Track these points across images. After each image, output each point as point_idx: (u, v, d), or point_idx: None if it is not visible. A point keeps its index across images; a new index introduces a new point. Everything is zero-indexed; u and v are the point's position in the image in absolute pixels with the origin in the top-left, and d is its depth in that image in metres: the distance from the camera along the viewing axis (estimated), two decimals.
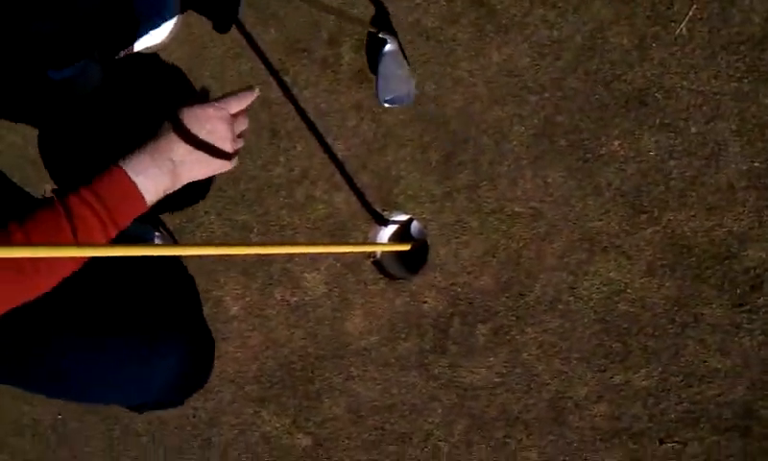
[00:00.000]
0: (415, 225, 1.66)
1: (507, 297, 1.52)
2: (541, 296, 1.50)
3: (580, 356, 1.49)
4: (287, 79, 1.68)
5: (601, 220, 1.44)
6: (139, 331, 1.49)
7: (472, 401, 1.57)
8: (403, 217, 1.63)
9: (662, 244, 1.41)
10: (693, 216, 1.39)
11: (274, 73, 1.69)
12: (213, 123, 1.07)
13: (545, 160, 1.47)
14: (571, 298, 1.48)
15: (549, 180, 1.47)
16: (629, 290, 1.44)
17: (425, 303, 1.59)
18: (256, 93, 1.15)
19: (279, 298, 1.73)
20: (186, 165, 1.05)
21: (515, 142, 1.49)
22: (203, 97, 1.13)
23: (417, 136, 1.56)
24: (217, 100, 1.10)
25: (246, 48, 1.72)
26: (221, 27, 1.72)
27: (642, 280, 1.43)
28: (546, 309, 1.50)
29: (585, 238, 1.46)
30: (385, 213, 1.61)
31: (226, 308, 1.79)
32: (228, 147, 1.10)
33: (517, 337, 1.52)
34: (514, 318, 1.52)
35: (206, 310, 1.80)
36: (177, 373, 1.53)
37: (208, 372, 1.74)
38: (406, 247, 1.59)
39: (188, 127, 1.05)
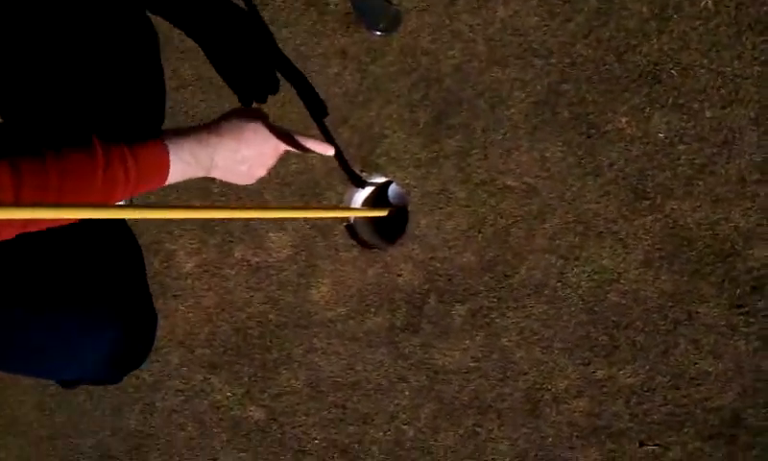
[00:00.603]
0: (394, 189, 1.55)
1: (490, 277, 1.43)
2: (527, 279, 1.41)
3: (563, 347, 1.41)
4: (265, 14, 1.54)
5: (599, 202, 1.36)
6: (74, 304, 1.37)
7: (443, 385, 1.48)
8: (382, 180, 1.52)
9: (662, 234, 1.33)
10: (698, 207, 1.31)
11: (251, 5, 1.55)
12: (270, 152, 1.10)
13: (545, 132, 1.37)
14: (559, 284, 1.40)
15: (547, 154, 1.37)
16: (622, 280, 1.36)
17: (400, 275, 1.49)
18: (331, 152, 1.18)
19: (239, 257, 1.61)
20: (220, 170, 1.07)
21: (513, 109, 1.39)
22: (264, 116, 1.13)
23: (405, 92, 1.45)
24: (291, 135, 1.13)
25: None
26: None
27: (637, 271, 1.35)
28: (531, 293, 1.41)
29: (579, 221, 1.37)
30: (363, 174, 1.50)
31: (179, 263, 1.67)
32: (261, 173, 1.13)
33: (497, 320, 1.44)
34: (495, 300, 1.43)
35: (156, 265, 1.68)
36: (112, 349, 1.41)
37: (147, 350, 1.62)
38: (383, 213, 1.48)
39: (247, 142, 1.07)
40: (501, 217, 1.41)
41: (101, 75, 1.66)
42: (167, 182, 1.03)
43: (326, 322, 1.56)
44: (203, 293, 1.65)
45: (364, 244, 1.53)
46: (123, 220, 1.70)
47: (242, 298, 1.62)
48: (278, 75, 1.55)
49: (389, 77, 1.46)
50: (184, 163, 1.03)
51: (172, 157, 1.01)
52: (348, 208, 1.52)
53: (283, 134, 1.11)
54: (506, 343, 1.44)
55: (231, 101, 1.59)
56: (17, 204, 0.81)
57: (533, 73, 1.37)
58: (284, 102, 1.54)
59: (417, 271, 1.48)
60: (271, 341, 1.61)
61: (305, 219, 1.54)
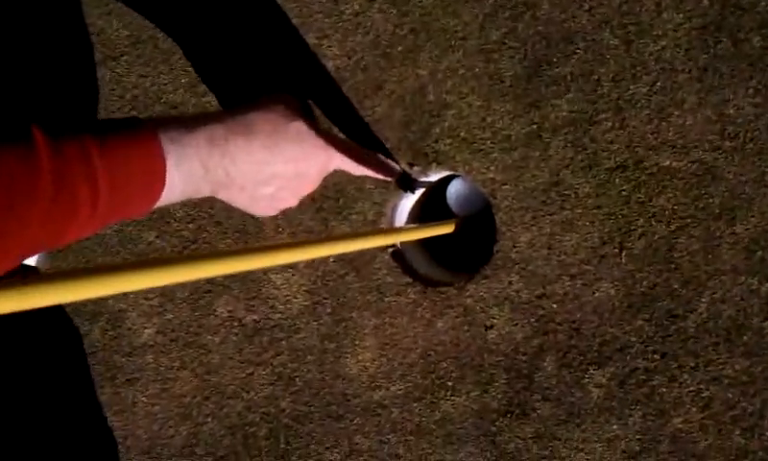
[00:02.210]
0: (460, 187, 1.05)
1: (645, 320, 0.93)
2: (710, 318, 0.92)
3: None
4: None
5: None
6: None
7: None
8: (442, 176, 1.02)
9: None
10: None
11: None
12: (314, 172, 0.83)
13: (722, 75, 0.90)
14: (767, 323, 0.89)
15: (729, 110, 0.91)
16: None
17: (491, 327, 1.00)
18: (398, 173, 0.95)
19: (226, 315, 1.12)
20: (232, 191, 0.78)
21: (663, 41, 0.93)
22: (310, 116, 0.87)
23: (476, 31, 0.97)
24: (346, 145, 0.86)
25: None
26: None
27: None
28: (719, 341, 0.93)
29: None
30: (415, 169, 1.00)
31: (132, 331, 1.18)
32: (290, 204, 0.85)
33: (663, 390, 0.94)
34: (657, 357, 0.94)
35: (97, 335, 1.20)
36: None
37: None
38: (449, 228, 0.99)
39: (284, 153, 0.79)
40: (658, 220, 0.91)
41: None
42: (157, 206, 0.72)
43: (374, 407, 1.06)
44: (173, 374, 1.16)
45: (423, 279, 1.03)
46: None
47: (236, 379, 1.12)
48: (263, 23, 1.06)
49: (445, 7, 0.97)
50: (187, 176, 0.72)
51: (170, 164, 0.70)
52: (397, 230, 1.00)
53: (336, 144, 0.83)
54: (680, 425, 0.93)
55: (192, 74, 1.08)
56: None
57: None
58: (281, 66, 1.02)
59: (519, 318, 0.98)
60: (288, 443, 1.11)
61: None
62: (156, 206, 0.72)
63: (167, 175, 0.71)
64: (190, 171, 0.73)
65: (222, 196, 0.80)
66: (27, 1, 1.17)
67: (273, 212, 0.85)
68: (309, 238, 1.04)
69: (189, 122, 0.74)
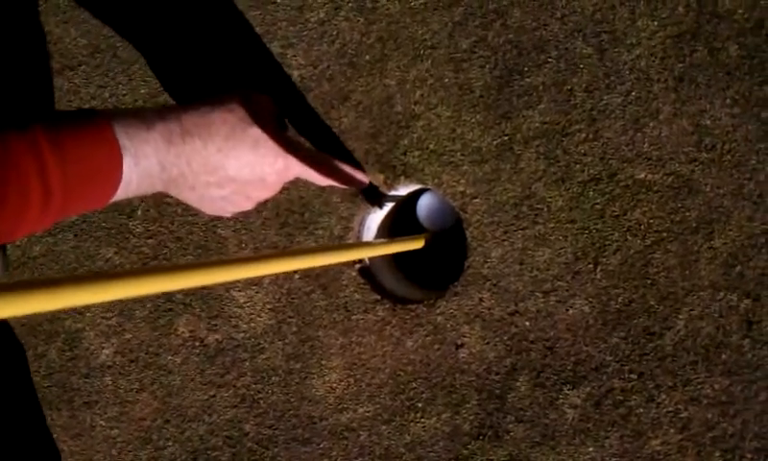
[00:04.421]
0: (430, 201, 1.05)
1: (621, 338, 0.94)
2: (688, 336, 0.92)
3: (759, 448, 0.91)
4: None
5: None
6: None
7: None
8: (411, 190, 1.02)
9: None
10: None
11: None
12: (272, 180, 0.83)
13: (699, 85, 0.88)
14: (747, 340, 0.90)
15: (706, 120, 0.90)
16: None
17: (462, 346, 0.99)
18: (366, 184, 0.94)
19: (187, 334, 1.11)
20: (183, 189, 0.80)
21: (638, 50, 0.92)
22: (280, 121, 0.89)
23: (445, 38, 0.97)
24: (308, 153, 0.86)
25: None
26: None
27: None
28: (696, 360, 0.92)
29: None
30: (383, 182, 0.99)
31: (90, 351, 1.17)
32: (245, 207, 0.86)
33: (640, 411, 0.94)
34: (633, 377, 0.93)
35: (54, 356, 1.18)
36: None
37: None
38: (419, 243, 0.99)
39: (239, 157, 0.80)
40: (633, 235, 0.92)
41: None
42: (115, 198, 0.73)
43: (341, 430, 1.05)
44: (132, 397, 1.15)
45: (392, 296, 1.03)
46: None
47: (198, 401, 1.11)
48: (226, 31, 1.06)
49: (414, 15, 0.97)
50: (144, 173, 0.74)
51: (127, 161, 0.71)
52: (365, 245, 1.00)
53: (297, 151, 0.83)
54: (658, 447, 0.93)
55: (152, 84, 1.08)
56: None
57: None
58: (242, 77, 1.02)
59: (491, 336, 0.98)
60: None
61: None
62: (109, 201, 0.73)
63: (123, 172, 0.71)
64: (147, 168, 0.74)
65: (173, 192, 0.81)
66: None
67: (226, 214, 0.87)
68: (274, 252, 1.03)
69: (147, 117, 0.74)
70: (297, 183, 1.01)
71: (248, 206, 0.87)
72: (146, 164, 0.74)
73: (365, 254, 0.97)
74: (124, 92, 1.10)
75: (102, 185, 0.72)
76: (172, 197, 0.82)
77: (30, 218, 0.64)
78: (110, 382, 1.16)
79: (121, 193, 0.74)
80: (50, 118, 0.67)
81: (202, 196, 0.82)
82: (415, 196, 1.07)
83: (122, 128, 0.71)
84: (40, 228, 0.67)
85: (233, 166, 0.80)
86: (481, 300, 0.98)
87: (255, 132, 0.80)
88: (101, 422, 1.16)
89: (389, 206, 1.04)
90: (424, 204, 1.08)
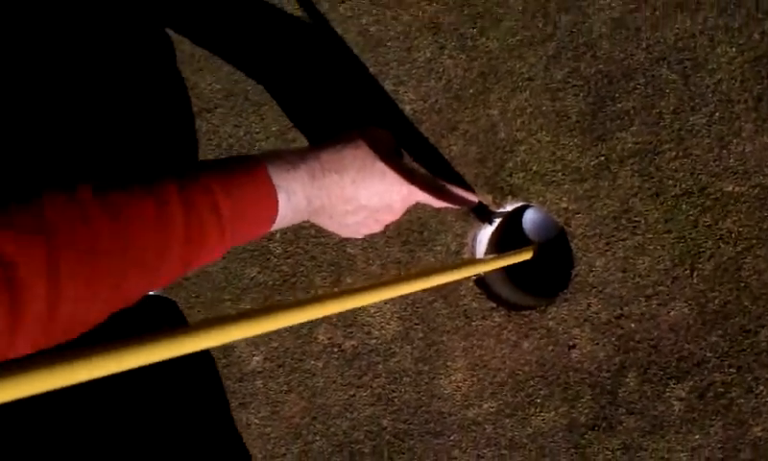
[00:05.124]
0: (533, 216, 1.17)
1: (719, 336, 1.04)
2: None
3: None
4: None
5: None
6: None
7: None
8: (516, 206, 1.15)
9: None
10: None
11: None
12: (398, 206, 0.98)
13: None
14: None
15: None
16: None
17: (574, 347, 1.11)
18: (476, 203, 1.08)
19: (326, 341, 1.26)
20: (323, 217, 0.95)
21: (719, 74, 1.00)
22: (397, 151, 1.05)
23: (540, 71, 1.08)
24: (427, 180, 1.01)
25: None
26: None
27: None
28: None
29: None
30: (493, 201, 1.12)
31: (241, 359, 1.33)
32: (375, 230, 1.01)
33: (741, 401, 1.04)
34: (733, 371, 1.04)
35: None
36: None
37: None
38: (527, 255, 1.11)
39: (369, 189, 0.94)
40: (725, 242, 1.02)
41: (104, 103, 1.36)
42: (270, 229, 0.88)
43: (469, 424, 1.19)
44: (281, 397, 1.31)
45: (507, 304, 1.16)
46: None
47: (340, 400, 1.27)
48: (344, 73, 1.20)
49: (511, 51, 1.08)
50: (294, 206, 0.88)
51: (281, 198, 0.85)
52: (480, 261, 1.13)
53: (417, 179, 0.97)
54: (760, 434, 1.04)
55: (281, 122, 1.23)
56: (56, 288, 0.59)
57: (741, 19, 0.96)
58: (360, 113, 1.16)
59: (600, 338, 1.09)
60: (391, 459, 1.25)
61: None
62: (265, 232, 0.88)
63: (279, 207, 0.86)
64: (296, 203, 0.88)
65: (314, 220, 0.96)
66: (129, 63, 1.35)
67: (359, 236, 1.01)
68: (401, 275, 1.18)
69: (292, 158, 0.88)
70: (416, 206, 1.14)
71: (377, 228, 1.00)
72: (295, 200, 0.87)
73: (481, 269, 1.10)
74: (257, 130, 1.27)
75: (263, 220, 0.85)
76: (307, 221, 0.99)
77: (206, 250, 0.77)
78: (261, 385, 1.33)
79: (275, 226, 0.88)
80: (215, 165, 0.81)
81: (339, 223, 0.96)
82: (520, 211, 1.19)
83: (274, 169, 0.85)
84: (212, 259, 0.79)
85: (365, 195, 0.93)
86: (589, 305, 1.10)
87: (381, 164, 0.94)
88: (255, 420, 1.35)
89: (497, 221, 1.16)
90: (529, 218, 1.19)
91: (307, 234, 1.26)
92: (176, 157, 1.34)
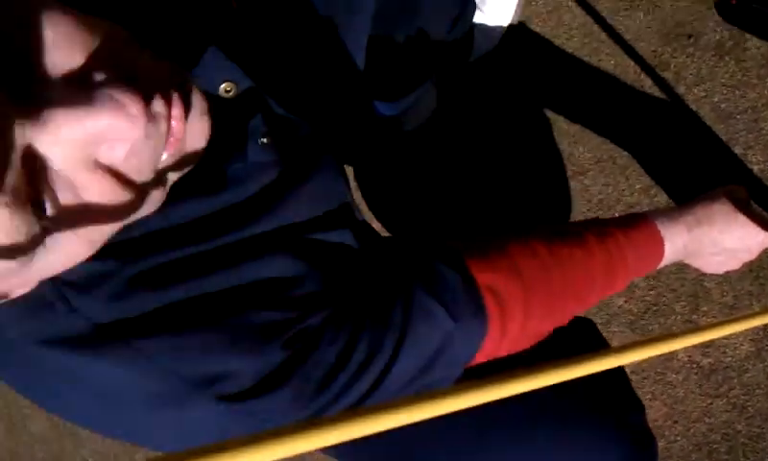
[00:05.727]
0: None
1: None
2: None
3: None
4: (668, 75, 1.48)
5: None
6: (565, 416, 1.11)
7: None
8: None
9: None
10: None
11: (648, 69, 1.49)
12: (755, 249, 1.18)
13: None
14: None
15: None
16: None
17: None
18: None
19: (686, 359, 1.54)
20: (692, 257, 1.17)
21: None
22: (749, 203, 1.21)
23: None
24: None
25: (605, 40, 1.53)
26: None
27: None
28: None
29: None
30: None
31: None
32: (734, 267, 1.22)
33: None
34: None
35: None
36: None
37: None
38: None
39: (732, 235, 1.14)
40: None
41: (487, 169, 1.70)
42: (655, 270, 1.12)
43: None
44: (648, 403, 1.61)
45: None
46: None
47: (698, 407, 1.55)
48: (698, 142, 1.48)
49: None
50: (674, 250, 1.10)
51: (667, 246, 1.09)
52: None
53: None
54: None
55: (644, 182, 1.54)
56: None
57: None
58: (708, 171, 1.45)
59: None
60: (746, 456, 1.51)
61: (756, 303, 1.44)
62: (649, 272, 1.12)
63: (665, 254, 1.09)
64: (676, 249, 1.10)
65: (686, 260, 1.19)
66: (511, 143, 1.73)
67: (720, 271, 1.23)
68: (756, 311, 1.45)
69: (673, 215, 1.11)
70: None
71: (736, 266, 1.21)
72: (675, 248, 1.10)
73: None
74: (623, 188, 1.59)
75: (654, 262, 1.10)
76: None
77: (616, 285, 1.04)
78: None
79: (662, 264, 1.11)
80: (616, 221, 1.07)
81: (706, 262, 1.19)
82: None
83: (661, 224, 1.09)
84: (616, 291, 1.07)
85: (729, 241, 1.14)
86: None
87: (741, 217, 1.13)
88: None
89: None
90: None
91: (668, 270, 1.56)
92: (556, 211, 1.69)
